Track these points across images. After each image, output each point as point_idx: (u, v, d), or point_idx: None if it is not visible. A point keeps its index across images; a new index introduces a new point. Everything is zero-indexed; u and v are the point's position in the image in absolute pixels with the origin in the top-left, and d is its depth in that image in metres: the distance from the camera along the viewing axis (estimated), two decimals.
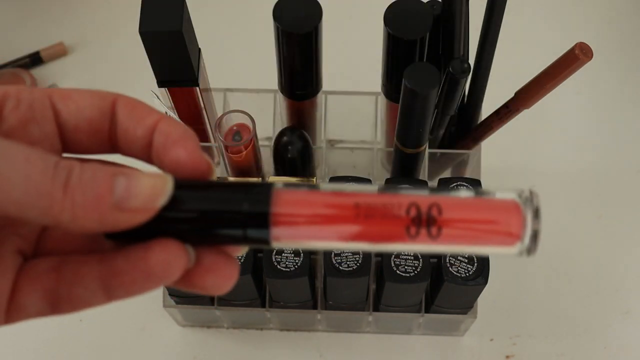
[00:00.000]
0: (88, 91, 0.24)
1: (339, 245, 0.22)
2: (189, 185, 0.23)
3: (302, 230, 0.22)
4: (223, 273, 0.23)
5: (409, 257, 0.46)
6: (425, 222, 0.22)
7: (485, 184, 0.48)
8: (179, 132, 0.23)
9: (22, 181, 0.19)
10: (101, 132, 0.24)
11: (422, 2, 0.41)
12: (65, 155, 0.24)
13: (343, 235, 0.22)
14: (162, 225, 0.22)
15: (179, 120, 0.46)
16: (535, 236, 0.22)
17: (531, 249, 0.22)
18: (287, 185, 0.23)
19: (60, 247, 0.24)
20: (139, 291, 0.22)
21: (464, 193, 0.22)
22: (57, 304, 0.22)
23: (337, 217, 0.22)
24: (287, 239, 0.22)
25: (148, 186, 0.21)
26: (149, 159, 0.24)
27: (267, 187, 0.22)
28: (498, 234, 0.22)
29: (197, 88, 0.45)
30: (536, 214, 0.22)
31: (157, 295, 0.54)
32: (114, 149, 0.24)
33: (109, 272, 0.22)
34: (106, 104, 0.23)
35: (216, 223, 0.22)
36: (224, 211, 0.22)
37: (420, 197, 0.22)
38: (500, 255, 0.22)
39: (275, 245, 0.23)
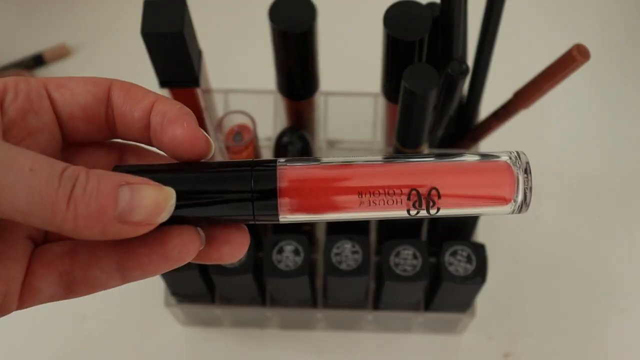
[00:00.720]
0: (82, 78, 0.24)
1: (344, 216, 0.24)
2: (196, 168, 0.23)
3: (308, 204, 0.23)
4: (237, 242, 0.24)
5: (408, 257, 0.47)
6: (425, 204, 0.23)
7: None
8: (176, 110, 0.23)
9: (25, 191, 0.19)
10: (97, 118, 0.24)
11: (421, 4, 0.41)
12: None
13: (347, 210, 0.23)
14: (175, 210, 0.22)
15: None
16: (526, 194, 0.23)
17: (523, 207, 0.24)
18: (290, 160, 0.24)
19: None
20: (154, 273, 0.23)
21: (459, 158, 0.24)
22: (71, 287, 0.23)
23: (342, 202, 0.23)
24: (294, 214, 0.23)
25: (151, 202, 0.21)
26: (148, 141, 0.24)
27: (271, 163, 0.23)
28: (493, 196, 0.24)
29: (198, 89, 0.45)
30: (526, 172, 0.23)
31: (158, 294, 0.54)
32: (113, 134, 0.25)
33: (125, 255, 0.22)
34: (100, 89, 0.24)
35: (226, 203, 0.23)
36: (232, 191, 0.23)
37: (419, 177, 0.23)
38: (496, 214, 0.24)
39: (283, 220, 0.23)
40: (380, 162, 0.24)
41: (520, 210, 0.24)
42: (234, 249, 0.24)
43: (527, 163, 0.23)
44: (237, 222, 0.24)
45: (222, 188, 0.23)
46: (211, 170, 0.23)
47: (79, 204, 0.20)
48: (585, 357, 0.57)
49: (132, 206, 0.21)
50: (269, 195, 0.23)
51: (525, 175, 0.23)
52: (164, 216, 0.22)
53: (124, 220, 0.21)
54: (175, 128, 0.23)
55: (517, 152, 0.24)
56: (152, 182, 0.22)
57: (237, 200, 0.23)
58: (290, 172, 0.23)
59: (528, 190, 0.23)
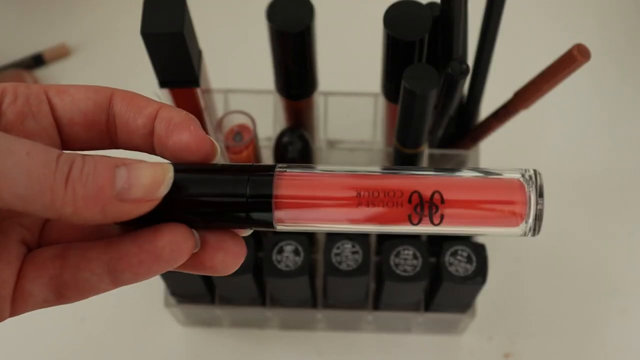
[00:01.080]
0: (83, 86, 0.24)
1: (342, 227, 0.23)
2: (193, 169, 0.23)
3: (305, 212, 0.23)
4: (231, 250, 0.23)
5: (408, 257, 0.47)
6: (427, 210, 0.22)
7: None
8: (181, 116, 0.23)
9: (23, 176, 0.19)
10: (98, 125, 0.24)
11: (421, 4, 0.41)
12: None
13: (345, 219, 0.23)
14: (168, 210, 0.22)
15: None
16: (539, 216, 0.22)
17: (535, 229, 0.22)
18: (290, 166, 0.23)
19: (65, 236, 0.24)
20: (145, 274, 0.22)
21: (468, 173, 0.22)
22: (62, 291, 0.22)
23: (340, 203, 0.22)
24: (290, 222, 0.23)
25: (149, 176, 0.21)
26: (151, 149, 0.24)
27: (270, 170, 0.23)
28: (502, 215, 0.22)
29: (198, 89, 0.45)
30: (540, 193, 0.22)
31: (158, 294, 0.54)
32: (113, 143, 0.25)
33: (115, 256, 0.22)
34: (102, 97, 0.24)
35: (220, 206, 0.23)
36: (228, 194, 0.23)
37: (422, 183, 0.22)
38: (505, 236, 0.22)
39: (279, 227, 0.23)
40: (383, 173, 0.23)
41: (533, 232, 0.22)
42: (228, 257, 0.23)
43: (542, 186, 0.22)
44: (233, 227, 0.24)
45: (218, 192, 0.23)
46: (209, 173, 0.23)
47: (77, 185, 0.20)
48: (586, 357, 0.57)
49: (130, 184, 0.21)
50: (265, 202, 0.22)
51: (540, 197, 0.22)
52: (163, 190, 0.22)
53: (123, 198, 0.21)
54: (181, 133, 0.23)
55: (535, 171, 0.22)
56: (147, 161, 0.22)
57: (233, 206, 0.23)
58: (288, 179, 0.23)
59: (540, 213, 0.22)
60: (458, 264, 0.46)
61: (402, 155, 0.46)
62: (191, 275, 0.48)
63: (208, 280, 0.51)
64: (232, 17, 0.69)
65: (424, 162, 0.50)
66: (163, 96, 0.46)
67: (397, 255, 0.47)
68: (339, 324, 0.57)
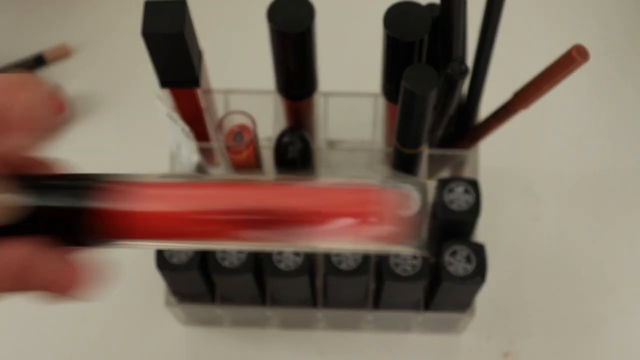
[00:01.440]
0: None
1: (169, 245, 0.21)
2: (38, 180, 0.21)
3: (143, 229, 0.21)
4: (66, 271, 0.22)
5: (408, 257, 0.47)
6: (249, 223, 0.21)
7: (483, 184, 0.48)
8: (19, 78, 0.22)
9: None
10: None
11: (421, 4, 0.41)
12: None
13: (180, 236, 0.21)
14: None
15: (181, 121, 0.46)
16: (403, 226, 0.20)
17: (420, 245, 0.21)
18: (113, 176, 0.21)
19: None
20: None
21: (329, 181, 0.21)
22: None
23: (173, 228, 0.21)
24: (130, 238, 0.21)
25: None
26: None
27: (109, 179, 0.21)
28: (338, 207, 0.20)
29: (199, 89, 0.46)
30: (407, 206, 0.20)
31: (159, 294, 0.54)
32: None
33: None
34: None
35: (47, 220, 0.21)
36: (51, 208, 0.21)
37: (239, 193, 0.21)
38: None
39: (117, 245, 0.21)
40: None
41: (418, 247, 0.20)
42: (59, 276, 0.21)
43: (421, 200, 0.20)
44: (68, 245, 0.22)
45: (48, 204, 0.21)
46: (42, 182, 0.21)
47: None
48: (585, 357, 0.57)
49: None
50: (77, 217, 0.21)
51: (406, 209, 0.20)
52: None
53: None
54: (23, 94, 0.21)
55: (422, 184, 0.20)
56: None
57: (54, 219, 0.21)
58: (116, 191, 0.21)
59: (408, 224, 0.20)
60: (457, 264, 0.47)
61: (402, 155, 0.46)
62: (192, 275, 0.48)
63: (209, 280, 0.51)
64: (233, 17, 0.69)
65: (424, 162, 0.50)
66: (164, 96, 0.46)
67: (397, 255, 0.47)
68: (339, 323, 0.57)
